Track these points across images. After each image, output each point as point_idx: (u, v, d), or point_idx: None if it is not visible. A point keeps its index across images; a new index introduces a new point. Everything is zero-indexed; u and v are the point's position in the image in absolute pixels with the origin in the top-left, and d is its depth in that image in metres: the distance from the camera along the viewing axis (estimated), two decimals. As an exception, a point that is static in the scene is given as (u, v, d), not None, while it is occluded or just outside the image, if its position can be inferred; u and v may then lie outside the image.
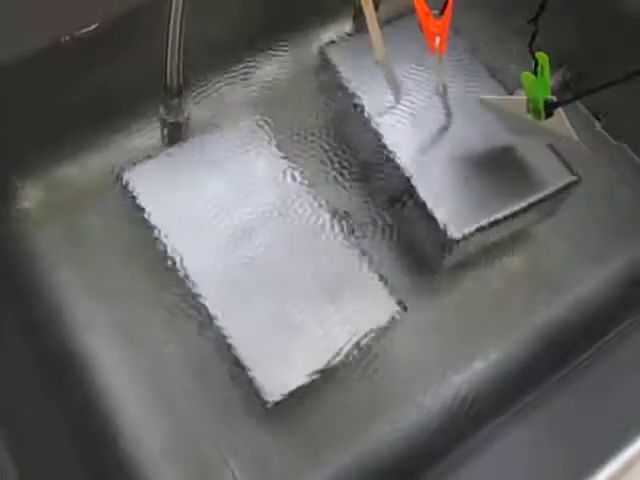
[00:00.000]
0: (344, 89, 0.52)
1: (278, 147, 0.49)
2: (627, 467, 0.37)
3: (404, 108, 0.51)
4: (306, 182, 0.49)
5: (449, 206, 0.48)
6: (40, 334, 0.49)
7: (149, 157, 0.49)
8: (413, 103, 0.51)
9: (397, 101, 0.51)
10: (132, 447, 0.46)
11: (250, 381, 0.43)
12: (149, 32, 0.48)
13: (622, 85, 0.40)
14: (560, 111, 0.44)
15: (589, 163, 0.53)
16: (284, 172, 0.49)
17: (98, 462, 0.46)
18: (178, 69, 0.49)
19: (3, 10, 0.47)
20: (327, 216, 0.48)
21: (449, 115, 0.51)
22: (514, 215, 0.48)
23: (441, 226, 0.47)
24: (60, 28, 0.51)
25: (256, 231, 0.47)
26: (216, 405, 0.48)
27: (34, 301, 0.50)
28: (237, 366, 0.43)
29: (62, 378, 0.48)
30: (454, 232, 0.47)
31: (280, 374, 0.43)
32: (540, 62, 0.42)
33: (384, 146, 0.50)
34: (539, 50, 0.42)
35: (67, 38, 0.52)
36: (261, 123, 0.50)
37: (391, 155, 0.49)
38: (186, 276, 0.45)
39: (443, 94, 0.52)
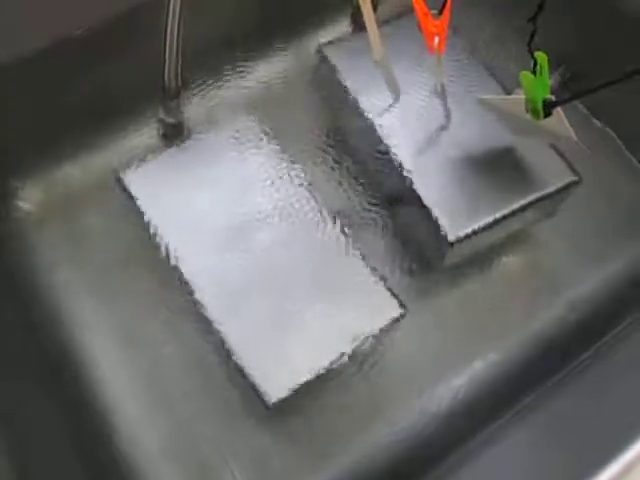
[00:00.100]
0: (342, 89, 0.51)
1: (276, 147, 0.49)
2: (627, 469, 0.37)
3: (403, 108, 0.51)
4: (305, 182, 0.49)
5: (448, 206, 0.48)
6: (39, 334, 0.49)
7: (148, 157, 0.49)
8: (412, 103, 0.51)
9: (396, 101, 0.51)
10: (131, 447, 0.46)
11: (249, 382, 0.43)
12: (149, 32, 0.48)
13: (621, 85, 0.39)
14: (559, 111, 0.44)
15: (588, 163, 0.53)
16: (283, 172, 0.49)
17: (97, 462, 0.46)
18: (176, 70, 0.49)
19: (3, 10, 0.47)
20: (326, 216, 0.48)
21: (448, 115, 0.51)
22: (514, 215, 0.48)
23: (440, 226, 0.47)
24: (60, 28, 0.51)
25: (255, 231, 0.47)
26: (215, 406, 0.48)
27: (33, 301, 0.50)
28: (236, 367, 0.43)
29: (61, 378, 0.48)
30: (453, 232, 0.47)
31: (279, 375, 0.43)
32: (539, 61, 0.42)
33: (383, 146, 0.50)
34: (538, 49, 0.42)
35: (66, 38, 0.52)
36: (260, 123, 0.50)
37: (390, 155, 0.49)
38: (185, 276, 0.45)
39: (442, 94, 0.52)
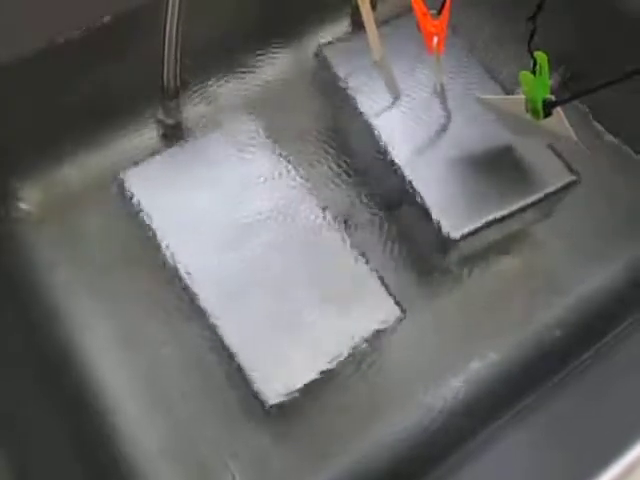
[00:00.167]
0: (342, 89, 0.51)
1: (276, 148, 0.49)
2: (629, 470, 0.37)
3: (402, 108, 0.51)
4: (304, 183, 0.49)
5: (447, 206, 0.48)
6: (39, 334, 0.49)
7: (147, 158, 0.49)
8: (411, 103, 0.51)
9: (395, 101, 0.51)
10: (130, 447, 0.46)
11: (249, 383, 0.43)
12: (149, 32, 0.48)
13: (621, 85, 0.39)
14: (559, 110, 0.44)
15: (588, 163, 0.53)
16: (282, 173, 0.49)
17: (96, 462, 0.46)
18: (175, 71, 0.49)
19: (3, 10, 0.47)
20: (325, 217, 0.48)
21: (447, 115, 0.51)
22: (513, 215, 0.48)
23: (440, 226, 0.47)
24: (60, 28, 0.51)
25: (254, 232, 0.47)
26: (214, 406, 0.48)
27: (33, 301, 0.50)
28: (235, 368, 0.43)
29: (60, 378, 0.48)
30: (453, 232, 0.47)
31: (279, 376, 0.43)
32: (539, 61, 0.42)
33: (382, 146, 0.50)
34: (538, 49, 0.42)
35: (66, 38, 0.52)
36: (259, 124, 0.50)
37: (389, 155, 0.49)
38: (184, 277, 0.45)
39: (441, 94, 0.52)
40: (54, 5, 0.49)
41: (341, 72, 0.52)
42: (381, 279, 0.46)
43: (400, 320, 0.45)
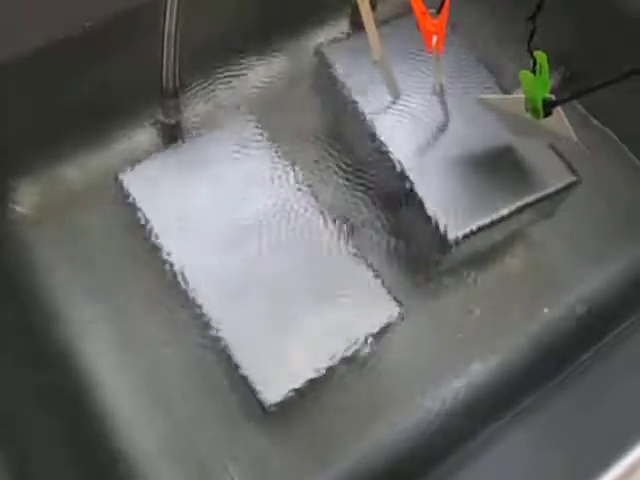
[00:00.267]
0: (342, 89, 0.51)
1: (275, 148, 0.49)
2: (630, 470, 0.37)
3: (402, 108, 0.51)
4: (303, 183, 0.48)
5: (447, 206, 0.48)
6: (38, 334, 0.49)
7: (146, 158, 0.49)
8: (411, 103, 0.51)
9: (395, 101, 0.51)
10: (130, 448, 0.46)
11: (248, 383, 0.43)
12: (149, 32, 0.48)
13: (620, 84, 0.39)
14: (559, 110, 0.44)
15: (588, 163, 0.53)
16: (281, 173, 0.49)
17: (95, 463, 0.46)
18: (174, 70, 0.49)
19: (2, 9, 0.47)
20: (324, 217, 0.48)
21: (447, 115, 0.51)
22: (513, 215, 0.48)
23: (440, 227, 0.47)
24: (59, 27, 0.51)
25: (253, 232, 0.47)
26: (214, 407, 0.48)
27: (32, 302, 0.50)
28: (235, 368, 0.43)
29: (60, 378, 0.48)
30: (453, 233, 0.47)
31: (278, 376, 0.43)
32: (538, 61, 0.42)
33: (382, 146, 0.50)
34: (537, 49, 0.42)
35: (66, 37, 0.52)
36: (258, 124, 0.50)
37: (389, 155, 0.49)
38: (183, 278, 0.45)
39: (441, 94, 0.51)
40: (53, 4, 0.49)
41: (341, 72, 0.52)
42: (381, 279, 0.46)
43: (400, 320, 0.45)
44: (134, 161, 0.48)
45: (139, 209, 0.47)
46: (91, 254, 0.52)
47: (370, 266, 0.46)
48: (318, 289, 0.45)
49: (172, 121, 0.54)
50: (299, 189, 0.48)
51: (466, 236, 0.47)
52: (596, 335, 0.49)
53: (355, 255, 0.47)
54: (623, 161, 0.60)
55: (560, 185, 0.49)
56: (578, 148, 0.46)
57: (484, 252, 0.52)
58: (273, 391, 0.42)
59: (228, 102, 0.57)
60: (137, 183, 0.48)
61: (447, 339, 0.51)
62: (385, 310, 0.45)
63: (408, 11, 0.47)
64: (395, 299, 0.46)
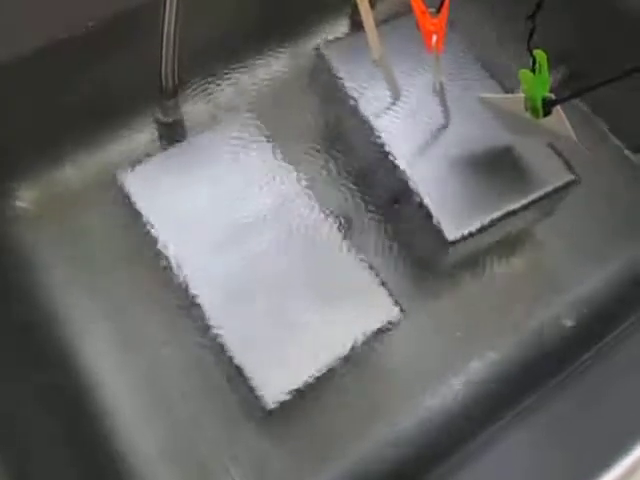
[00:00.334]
0: (341, 89, 0.51)
1: (274, 147, 0.49)
2: (630, 470, 0.37)
3: (402, 107, 0.51)
4: (303, 183, 0.48)
5: (447, 206, 0.48)
6: (37, 334, 0.49)
7: (145, 158, 0.49)
8: (411, 102, 0.51)
9: (395, 100, 0.51)
10: (129, 449, 0.46)
11: (248, 384, 0.43)
12: (148, 31, 0.48)
13: (620, 83, 0.39)
14: (559, 110, 0.44)
15: (588, 162, 0.53)
16: (281, 173, 0.49)
17: (95, 463, 0.46)
18: (173, 70, 0.49)
19: (2, 9, 0.47)
20: (324, 217, 0.48)
21: (447, 114, 0.51)
22: (513, 215, 0.48)
23: (439, 226, 0.47)
24: (59, 27, 0.51)
25: (253, 232, 0.47)
26: (214, 407, 0.47)
27: (31, 301, 0.50)
28: (235, 368, 0.43)
29: (59, 378, 0.48)
30: (453, 232, 0.47)
31: (278, 376, 0.43)
32: (538, 60, 0.42)
33: (382, 146, 0.50)
34: (537, 48, 0.42)
35: (66, 37, 0.52)
36: (257, 123, 0.50)
37: (389, 155, 0.49)
38: (183, 277, 0.45)
39: (441, 93, 0.51)
40: (53, 4, 0.49)
41: (340, 71, 0.52)
42: (381, 279, 0.46)
43: (400, 320, 0.45)
44: (134, 161, 0.48)
45: (138, 209, 0.47)
46: (91, 254, 0.52)
47: (370, 266, 0.46)
48: (318, 289, 0.45)
49: (172, 120, 0.54)
50: (299, 189, 0.48)
51: (466, 235, 0.47)
52: (596, 335, 0.49)
53: (355, 255, 0.47)
54: (623, 160, 0.60)
55: (559, 184, 0.49)
56: (577, 147, 0.46)
57: (484, 251, 0.52)
58: (273, 391, 0.42)
59: (228, 102, 0.57)
60: (137, 183, 0.48)
61: (447, 339, 0.51)
62: (385, 310, 0.45)
63: (408, 10, 0.47)
64: (395, 299, 0.46)
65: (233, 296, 0.44)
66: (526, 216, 0.50)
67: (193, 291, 0.45)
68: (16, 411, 0.43)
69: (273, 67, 0.60)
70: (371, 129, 0.50)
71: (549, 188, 0.49)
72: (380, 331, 0.45)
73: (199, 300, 0.44)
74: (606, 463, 0.37)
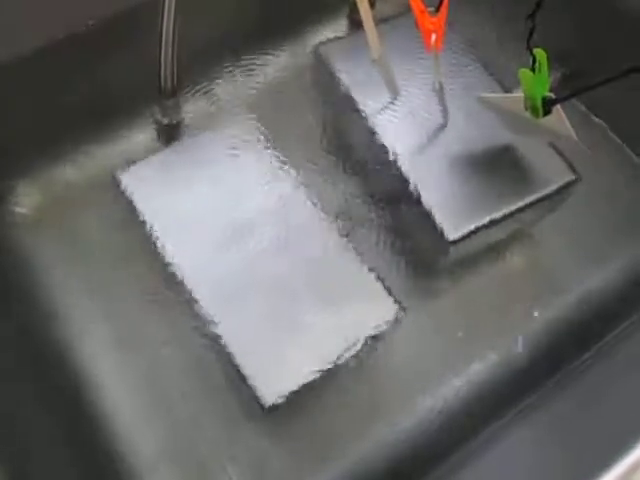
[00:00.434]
0: (341, 88, 0.51)
1: (274, 147, 0.49)
2: (632, 468, 0.37)
3: (401, 107, 0.51)
4: (302, 182, 0.48)
5: (447, 205, 0.48)
6: (37, 336, 0.49)
7: (145, 158, 0.49)
8: (410, 101, 0.51)
9: (394, 100, 0.51)
10: (129, 449, 0.46)
11: (248, 383, 0.43)
12: (148, 31, 0.48)
13: (619, 82, 0.39)
14: (559, 109, 0.44)
15: (588, 161, 0.53)
16: (280, 172, 0.49)
17: (95, 463, 0.46)
18: (172, 70, 0.49)
19: (2, 9, 0.47)
20: (324, 217, 0.48)
21: (447, 113, 0.51)
22: (513, 214, 0.48)
23: (439, 226, 0.47)
24: (59, 27, 0.51)
25: (252, 232, 0.47)
26: (214, 407, 0.47)
27: (31, 301, 0.50)
28: (235, 368, 0.43)
29: (59, 379, 0.48)
30: (453, 232, 0.47)
31: (278, 376, 0.43)
32: (538, 59, 0.42)
33: (381, 145, 0.50)
34: (537, 47, 0.42)
35: (66, 37, 0.52)
36: (256, 123, 0.50)
37: (388, 155, 0.49)
38: (182, 277, 0.45)
39: (440, 92, 0.51)
40: (53, 4, 0.49)
41: (340, 71, 0.52)
42: (381, 279, 0.46)
43: (400, 320, 0.45)
44: (133, 161, 0.49)
45: (137, 209, 0.47)
46: (90, 254, 0.51)
47: (370, 266, 0.46)
48: (318, 289, 0.45)
49: (171, 121, 0.54)
50: (298, 188, 0.48)
51: (466, 235, 0.47)
52: (597, 334, 0.49)
53: (354, 255, 0.47)
54: (623, 159, 0.59)
55: (560, 183, 0.49)
56: (578, 146, 0.46)
57: (484, 251, 0.52)
58: (273, 391, 0.42)
59: (227, 102, 0.57)
60: (136, 183, 0.48)
61: (447, 338, 0.51)
62: (385, 310, 0.45)
63: (407, 10, 0.47)
64: (395, 299, 0.46)
65: (232, 295, 0.45)
66: (526, 216, 0.50)
67: (192, 291, 0.45)
68: (16, 411, 0.43)
69: (273, 67, 0.59)
70: (370, 128, 0.50)
71: (550, 188, 0.49)
72: (380, 331, 0.45)
73: (199, 300, 0.45)
74: (607, 461, 0.37)
